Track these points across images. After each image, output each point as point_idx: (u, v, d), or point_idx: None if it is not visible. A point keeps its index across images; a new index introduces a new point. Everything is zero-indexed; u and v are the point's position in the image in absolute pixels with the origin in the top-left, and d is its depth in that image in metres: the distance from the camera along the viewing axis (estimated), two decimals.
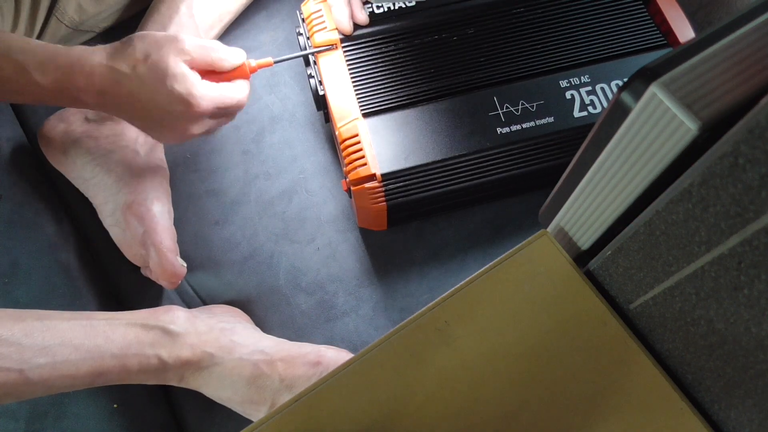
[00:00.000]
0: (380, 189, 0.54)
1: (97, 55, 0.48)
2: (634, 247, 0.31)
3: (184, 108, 0.49)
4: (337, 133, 0.56)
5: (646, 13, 0.60)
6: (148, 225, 0.57)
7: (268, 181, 0.64)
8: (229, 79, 0.53)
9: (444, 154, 0.54)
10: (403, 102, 0.57)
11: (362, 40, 0.59)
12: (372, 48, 0.59)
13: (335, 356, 0.52)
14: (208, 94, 0.50)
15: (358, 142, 0.54)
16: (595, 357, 0.35)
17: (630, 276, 0.33)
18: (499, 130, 0.55)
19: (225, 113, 0.53)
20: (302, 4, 0.63)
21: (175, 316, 0.51)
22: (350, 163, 0.54)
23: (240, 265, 0.61)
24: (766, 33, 0.25)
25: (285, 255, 0.61)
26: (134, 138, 0.62)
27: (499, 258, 0.37)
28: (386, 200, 0.54)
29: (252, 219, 0.63)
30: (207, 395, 0.51)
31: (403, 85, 0.57)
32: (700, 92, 0.24)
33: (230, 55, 0.53)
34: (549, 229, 0.38)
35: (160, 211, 0.59)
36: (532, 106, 0.56)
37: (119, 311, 0.51)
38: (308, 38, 0.61)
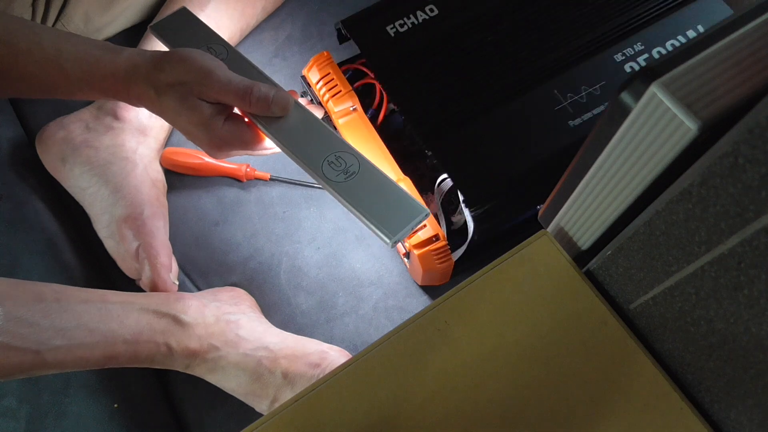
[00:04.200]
0: (445, 247, 0.50)
1: (141, 69, 0.46)
2: (634, 247, 0.31)
3: (200, 144, 0.48)
4: None
5: None
6: (143, 239, 0.57)
7: (268, 181, 0.64)
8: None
9: (523, 163, 0.48)
10: (462, 117, 0.51)
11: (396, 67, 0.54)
12: (411, 76, 0.53)
13: (337, 358, 0.53)
14: (224, 138, 0.47)
15: None
16: (595, 357, 0.35)
17: (630, 276, 0.33)
18: (570, 123, 0.50)
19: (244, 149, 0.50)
20: (305, 71, 0.59)
21: (186, 305, 0.52)
22: None
23: (241, 265, 0.61)
24: (766, 33, 0.25)
25: (285, 255, 0.61)
26: (134, 149, 0.61)
27: (499, 258, 0.37)
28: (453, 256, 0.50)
29: (252, 219, 0.63)
30: (211, 383, 0.52)
31: (455, 101, 0.51)
32: (700, 92, 0.24)
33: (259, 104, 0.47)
34: (549, 229, 0.38)
35: (156, 225, 0.58)
36: (596, 90, 0.51)
37: (133, 293, 0.51)
38: (321, 104, 0.57)
